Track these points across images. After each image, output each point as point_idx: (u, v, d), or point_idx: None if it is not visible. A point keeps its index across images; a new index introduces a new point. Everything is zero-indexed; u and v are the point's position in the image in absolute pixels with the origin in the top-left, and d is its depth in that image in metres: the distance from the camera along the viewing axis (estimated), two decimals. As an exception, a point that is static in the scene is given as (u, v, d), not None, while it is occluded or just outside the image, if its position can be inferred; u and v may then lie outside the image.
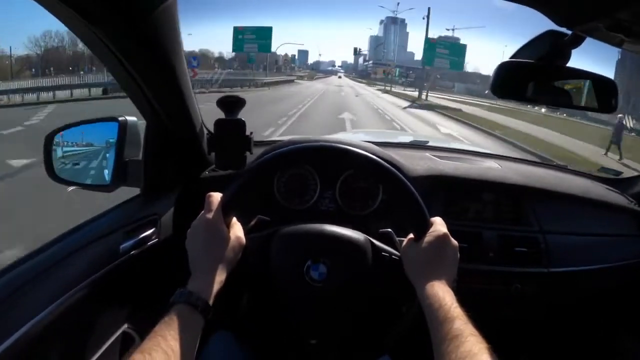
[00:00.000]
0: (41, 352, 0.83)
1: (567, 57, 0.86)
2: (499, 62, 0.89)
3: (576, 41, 0.81)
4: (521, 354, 1.59)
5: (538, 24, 0.84)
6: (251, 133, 1.11)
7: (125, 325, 1.08)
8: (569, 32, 0.79)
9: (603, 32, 0.71)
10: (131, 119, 1.14)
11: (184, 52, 1.00)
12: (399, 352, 1.03)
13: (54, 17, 0.78)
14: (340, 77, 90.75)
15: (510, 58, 0.88)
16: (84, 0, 0.75)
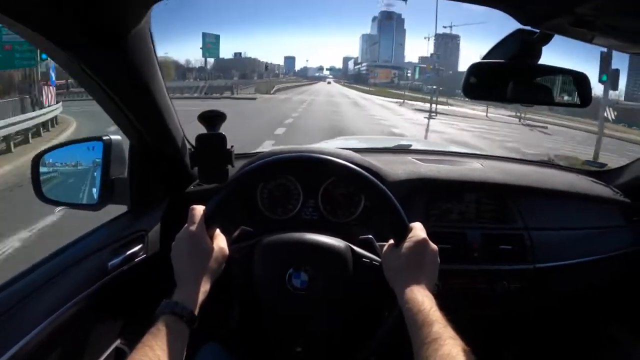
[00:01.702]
0: None
1: (538, 55, 0.90)
2: (470, 63, 0.93)
3: (545, 39, 0.86)
4: (509, 352, 1.63)
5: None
6: (232, 147, 1.13)
7: (118, 341, 1.11)
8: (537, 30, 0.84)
9: (569, 29, 0.75)
10: (115, 137, 1.17)
11: (159, 72, 1.04)
12: (384, 357, 1.05)
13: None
14: (329, 82, 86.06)
15: (482, 59, 0.93)
16: (58, 28, 0.78)
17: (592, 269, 1.44)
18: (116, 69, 0.93)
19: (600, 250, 1.44)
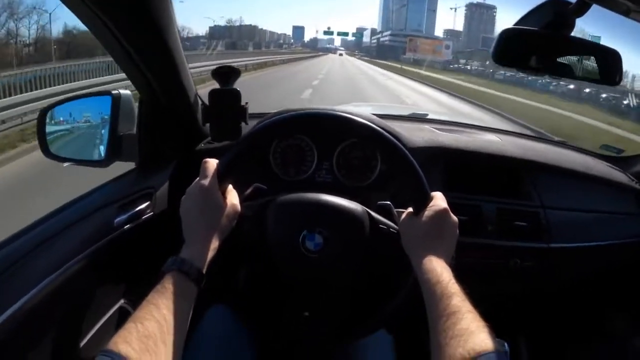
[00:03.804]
0: (36, 328, 0.88)
1: (572, 27, 0.90)
2: (502, 29, 0.94)
3: (581, 10, 0.86)
4: (518, 330, 1.66)
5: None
6: (246, 103, 1.14)
7: (122, 301, 1.14)
8: (573, 0, 0.84)
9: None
10: (125, 92, 1.18)
11: (176, 23, 1.04)
12: (395, 327, 1.07)
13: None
14: (341, 54, 77.26)
15: (514, 25, 0.93)
16: None
17: (604, 253, 1.47)
18: (134, 20, 0.93)
19: (613, 235, 1.46)
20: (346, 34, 76.42)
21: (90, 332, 1.04)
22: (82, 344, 1.01)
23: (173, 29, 1.04)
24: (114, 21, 0.93)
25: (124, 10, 0.91)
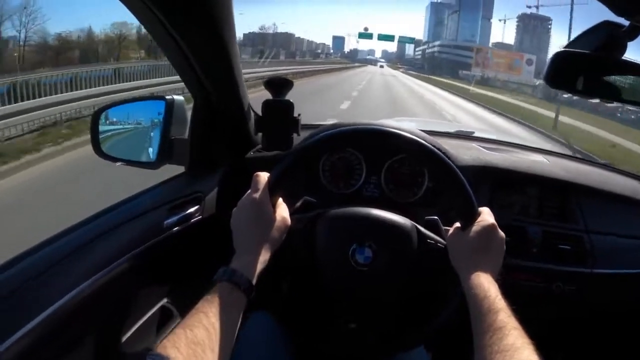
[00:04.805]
0: (81, 322, 0.92)
1: (623, 50, 0.91)
2: (555, 51, 0.95)
3: (634, 33, 0.87)
4: (558, 352, 1.61)
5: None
6: (299, 115, 1.18)
7: (165, 300, 1.18)
8: (626, 23, 0.85)
9: None
10: (178, 98, 1.24)
11: (235, 33, 1.08)
12: (436, 344, 1.09)
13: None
14: (382, 66, 71.48)
15: (565, 48, 0.95)
16: None
17: None
18: (195, 24, 0.98)
19: None
20: (390, 37, 55.82)
21: (132, 328, 1.09)
22: (123, 339, 1.06)
23: (233, 37, 1.08)
24: (177, 27, 0.98)
25: (188, 17, 0.96)
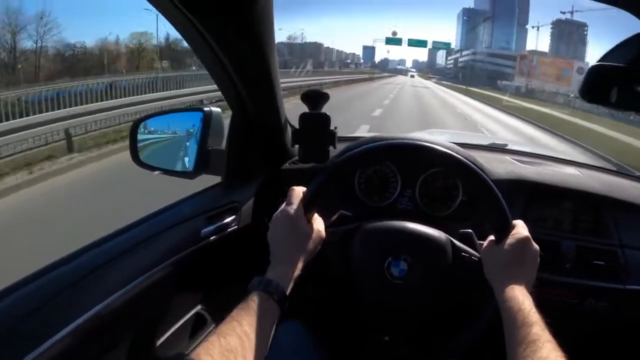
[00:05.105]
0: (118, 326, 0.96)
1: None
2: (590, 65, 0.96)
3: None
4: None
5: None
6: (335, 128, 1.21)
7: (199, 307, 1.22)
8: None
9: None
10: (216, 109, 1.28)
11: (275, 44, 1.10)
12: (468, 356, 1.08)
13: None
14: (412, 76, 67.92)
15: (599, 61, 0.95)
16: None
17: None
18: (235, 36, 1.00)
19: None
20: (422, 42, 50.97)
21: (167, 333, 1.13)
22: (157, 344, 1.10)
23: (273, 51, 1.11)
24: (218, 41, 1.01)
25: (230, 31, 0.99)
